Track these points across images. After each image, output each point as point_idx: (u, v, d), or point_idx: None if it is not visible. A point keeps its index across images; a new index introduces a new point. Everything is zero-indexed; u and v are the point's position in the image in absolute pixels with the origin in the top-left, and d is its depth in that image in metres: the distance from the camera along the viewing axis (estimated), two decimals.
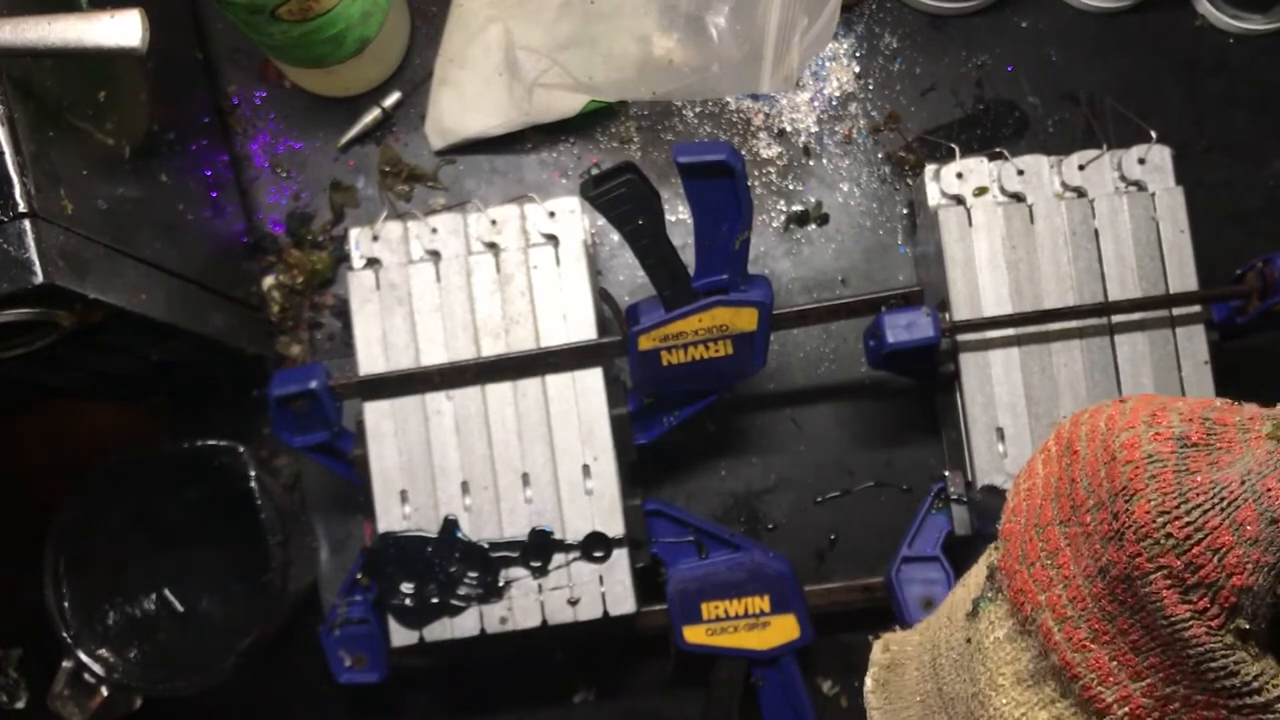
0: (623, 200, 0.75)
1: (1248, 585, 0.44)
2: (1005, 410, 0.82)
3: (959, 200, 0.85)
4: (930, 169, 0.86)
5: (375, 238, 0.87)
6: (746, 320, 0.79)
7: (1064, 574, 0.50)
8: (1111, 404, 0.52)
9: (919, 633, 0.63)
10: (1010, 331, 0.82)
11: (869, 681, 0.63)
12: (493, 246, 0.86)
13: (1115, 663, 0.48)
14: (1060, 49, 0.97)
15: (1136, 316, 0.82)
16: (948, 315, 0.83)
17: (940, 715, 0.58)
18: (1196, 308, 0.82)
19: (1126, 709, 0.48)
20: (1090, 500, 0.49)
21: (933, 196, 0.86)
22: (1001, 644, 0.53)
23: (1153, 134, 0.85)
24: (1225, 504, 0.45)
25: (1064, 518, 0.50)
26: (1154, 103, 0.96)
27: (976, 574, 0.58)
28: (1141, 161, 0.84)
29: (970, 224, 0.84)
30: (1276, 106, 0.96)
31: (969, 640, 0.56)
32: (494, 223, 0.86)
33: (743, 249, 0.78)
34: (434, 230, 0.86)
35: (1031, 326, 0.82)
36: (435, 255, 0.86)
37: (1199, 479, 0.46)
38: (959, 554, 0.85)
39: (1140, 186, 0.84)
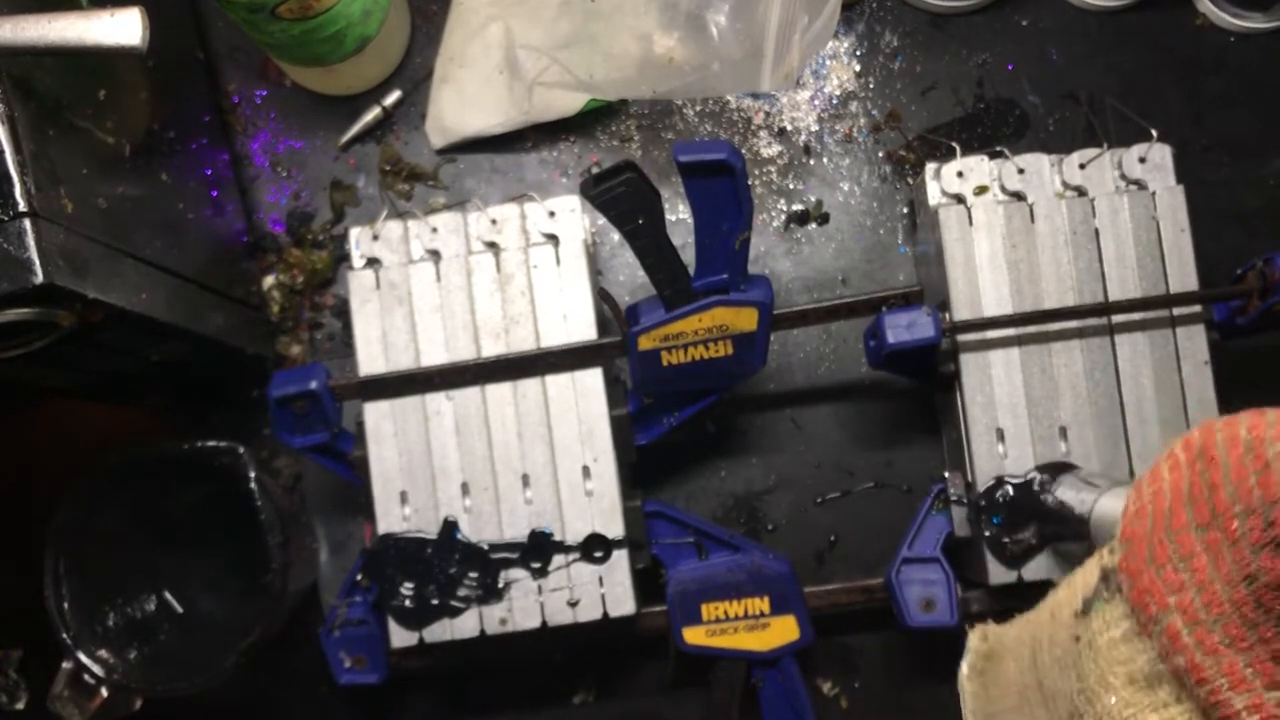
0: (623, 199, 0.75)
1: None
2: (1005, 410, 0.82)
3: (959, 199, 0.85)
4: (931, 167, 0.86)
5: (375, 237, 0.86)
6: (746, 320, 0.79)
7: (1198, 578, 0.48)
8: (1248, 414, 0.50)
9: (1016, 627, 0.63)
10: (1010, 331, 0.82)
11: (965, 668, 0.63)
12: (493, 246, 0.86)
13: (1250, 670, 0.47)
14: (1060, 48, 0.97)
15: (1137, 316, 0.82)
16: (948, 315, 0.83)
17: (1040, 710, 0.58)
18: (1197, 308, 0.82)
19: (1257, 717, 0.47)
20: (1236, 507, 0.48)
21: (933, 195, 0.86)
22: (1116, 644, 0.52)
23: (1153, 133, 0.85)
24: None
25: (1202, 522, 0.49)
26: (1154, 102, 0.96)
27: (1085, 575, 0.57)
28: (1142, 160, 0.84)
29: (971, 223, 0.84)
30: (1276, 106, 0.96)
31: (1078, 638, 0.55)
32: (494, 222, 0.86)
33: (743, 249, 0.77)
34: (434, 230, 0.86)
35: (1032, 326, 0.82)
36: (435, 255, 0.86)
37: None
38: (959, 555, 0.85)
39: (1141, 185, 0.84)
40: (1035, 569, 0.80)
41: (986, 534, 0.81)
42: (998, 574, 0.81)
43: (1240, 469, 0.48)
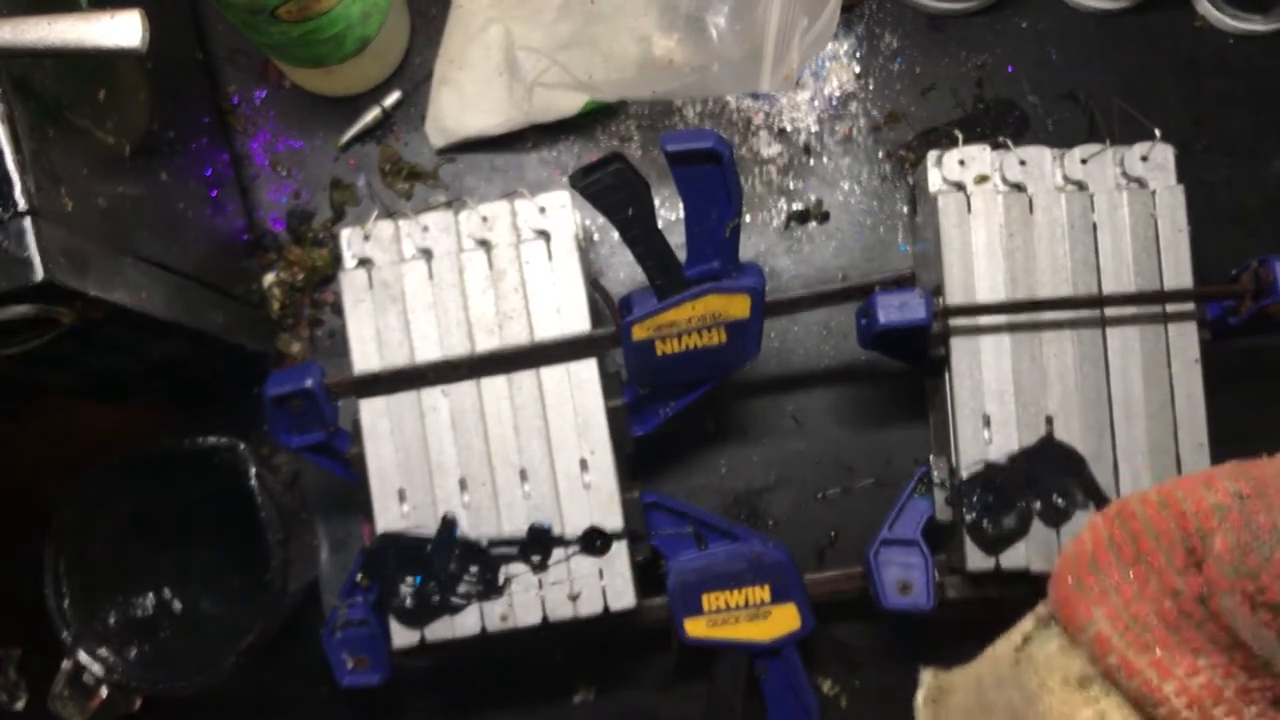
0: (611, 190, 0.75)
1: None
2: (993, 397, 0.82)
3: (960, 186, 0.85)
4: (933, 154, 0.85)
5: (366, 237, 0.86)
6: (739, 307, 0.79)
7: (1124, 598, 0.61)
8: (1151, 488, 0.63)
9: (962, 670, 0.72)
10: (1003, 319, 0.82)
11: (920, 698, 0.74)
12: (484, 243, 0.86)
13: (1174, 663, 0.59)
14: (1060, 49, 0.97)
15: (1129, 311, 0.82)
16: (941, 299, 0.83)
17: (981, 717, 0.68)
18: (1190, 305, 0.82)
19: (1184, 699, 0.58)
20: (1159, 544, 0.60)
21: (934, 182, 0.85)
22: (1052, 656, 0.63)
23: (1157, 132, 0.85)
24: None
25: (1126, 559, 0.61)
26: (1154, 102, 0.96)
27: (1020, 626, 0.67)
28: (1144, 159, 0.84)
29: (969, 210, 0.84)
30: (1276, 106, 0.96)
31: (1018, 661, 0.65)
32: (485, 219, 0.86)
33: (733, 236, 0.77)
34: (425, 228, 0.86)
35: (1024, 315, 0.82)
36: (427, 253, 0.86)
37: (1262, 520, 0.57)
38: (940, 539, 0.85)
39: (1141, 183, 0.84)
40: (1013, 556, 0.80)
41: (967, 518, 0.80)
42: (975, 559, 0.81)
43: (1158, 518, 0.61)
